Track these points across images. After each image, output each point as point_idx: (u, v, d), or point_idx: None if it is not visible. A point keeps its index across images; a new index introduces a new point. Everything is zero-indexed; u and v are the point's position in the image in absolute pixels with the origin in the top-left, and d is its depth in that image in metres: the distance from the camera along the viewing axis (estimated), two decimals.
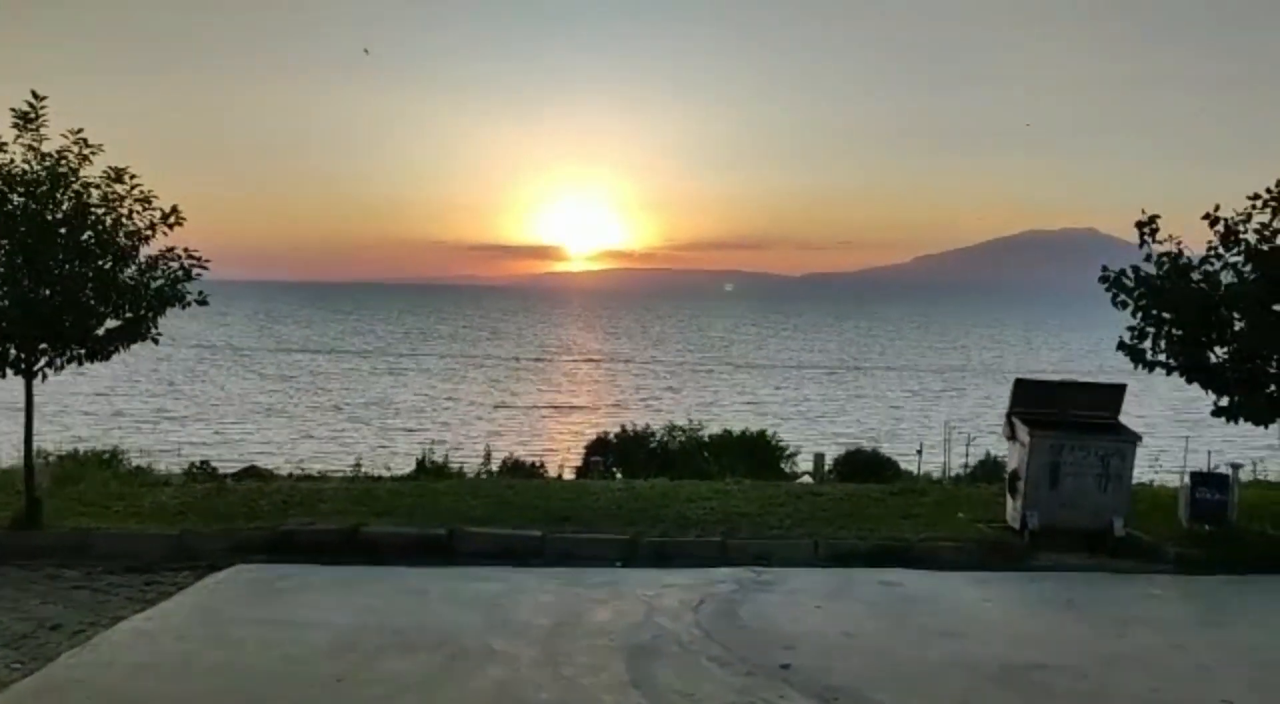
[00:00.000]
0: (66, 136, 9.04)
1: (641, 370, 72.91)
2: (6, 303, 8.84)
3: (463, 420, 44.18)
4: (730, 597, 7.77)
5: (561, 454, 24.86)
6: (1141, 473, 12.13)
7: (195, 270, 9.55)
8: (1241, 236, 10.84)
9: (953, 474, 18.59)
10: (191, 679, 5.88)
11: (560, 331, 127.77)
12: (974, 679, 6.14)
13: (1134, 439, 9.66)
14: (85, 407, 43.79)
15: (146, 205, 9.32)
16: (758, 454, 18.86)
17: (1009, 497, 10.00)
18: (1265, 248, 10.71)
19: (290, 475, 14.77)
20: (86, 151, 9.12)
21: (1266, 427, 11.01)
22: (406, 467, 17.00)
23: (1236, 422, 10.99)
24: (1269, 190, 10.68)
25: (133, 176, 9.25)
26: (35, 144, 8.96)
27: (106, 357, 9.31)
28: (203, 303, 9.55)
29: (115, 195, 9.14)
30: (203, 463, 17.06)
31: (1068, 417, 9.87)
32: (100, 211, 9.10)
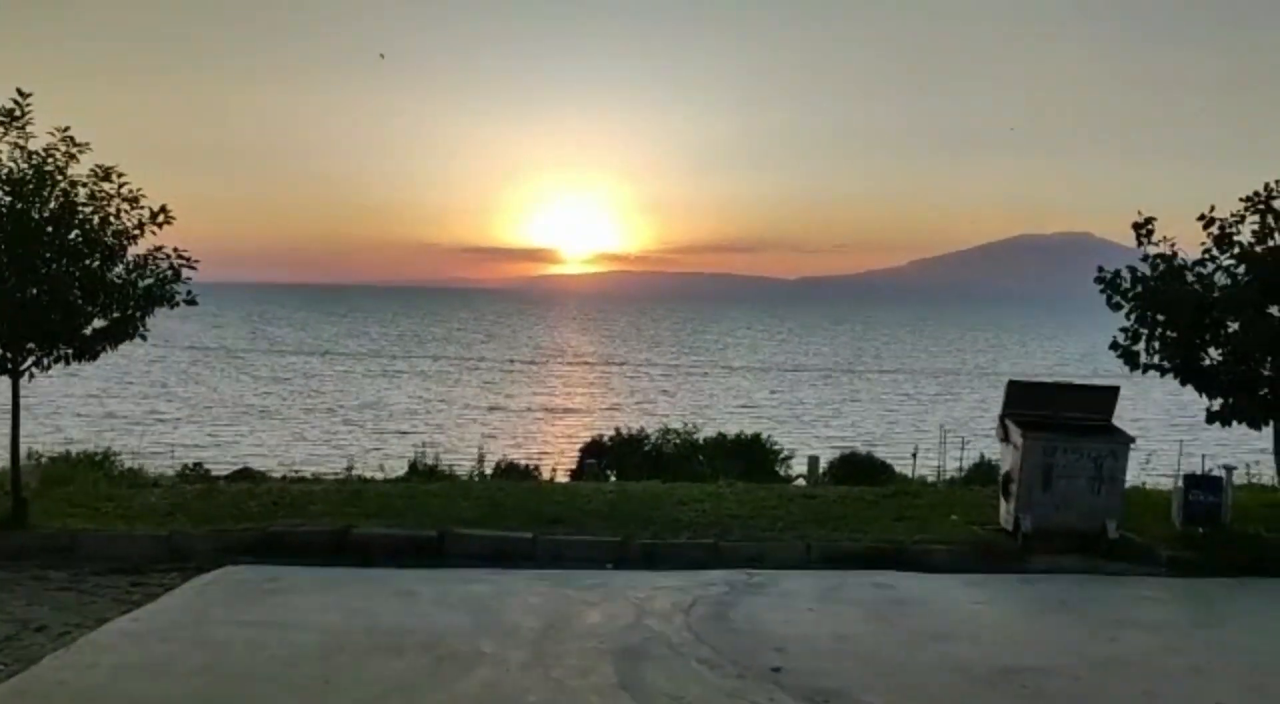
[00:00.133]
0: (53, 134, 8.99)
1: (636, 373, 72.93)
2: None
3: (456, 423, 44.14)
4: (722, 599, 7.72)
5: (555, 457, 24.83)
6: (1134, 476, 12.10)
7: (185, 271, 9.50)
8: (1235, 239, 10.84)
9: (947, 477, 18.59)
10: (176, 681, 5.81)
11: (555, 334, 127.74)
12: (966, 682, 6.10)
13: (1127, 441, 9.63)
14: (78, 408, 43.66)
15: (135, 204, 9.27)
16: (752, 458, 18.85)
17: (1002, 499, 9.97)
18: (1259, 249, 10.71)
19: (284, 478, 14.71)
20: (74, 150, 9.06)
21: (1260, 429, 11.00)
22: (399, 469, 16.95)
23: (1230, 425, 10.98)
24: (1256, 194, 10.70)
25: (121, 176, 9.20)
26: (21, 142, 8.91)
27: (94, 356, 9.26)
28: (191, 302, 9.49)
29: (103, 194, 9.09)
30: (195, 465, 17.01)
31: (1061, 419, 9.84)
32: (88, 210, 9.04)
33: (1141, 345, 11.08)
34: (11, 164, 8.91)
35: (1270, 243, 10.73)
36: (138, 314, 9.27)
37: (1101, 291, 11.06)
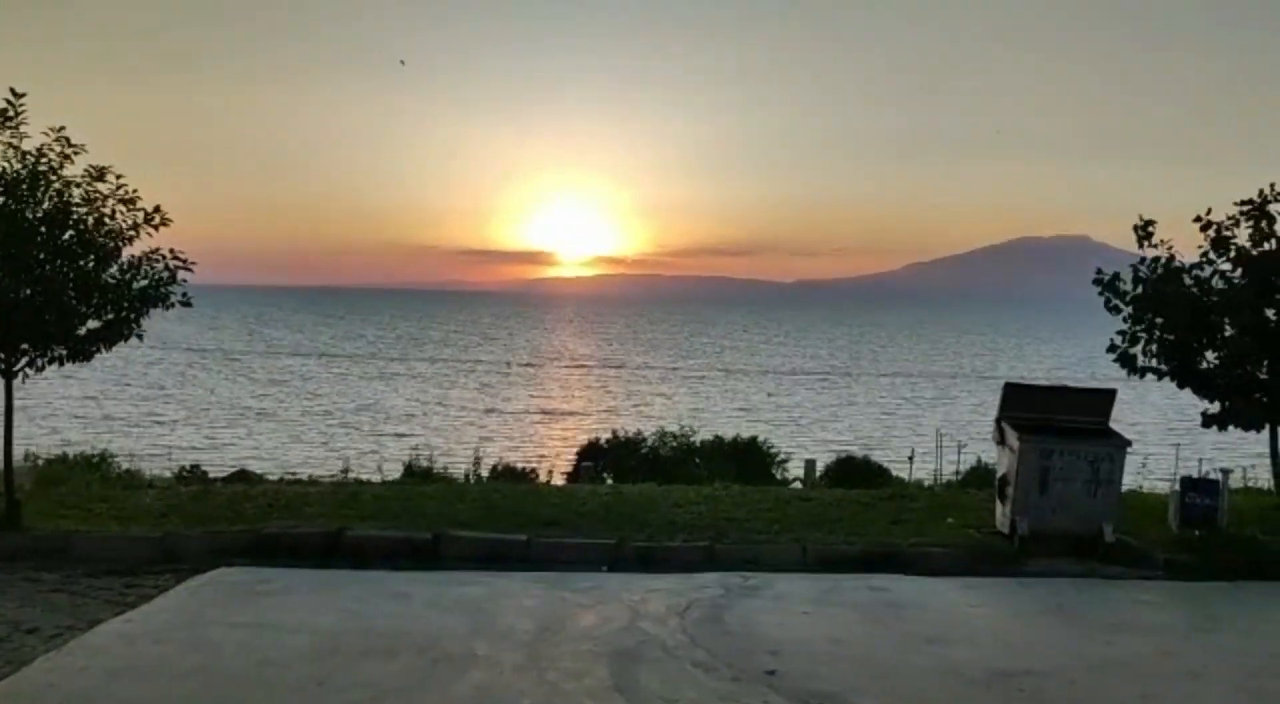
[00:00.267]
0: (48, 135, 8.97)
1: (633, 376, 72.86)
2: None
3: (454, 426, 44.07)
4: (717, 602, 7.70)
5: (552, 460, 24.79)
6: (1131, 480, 12.09)
7: (180, 272, 9.48)
8: (1232, 242, 10.86)
9: (944, 481, 18.55)
10: (168, 683, 5.79)
11: (552, 337, 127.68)
12: (962, 685, 6.08)
13: (1124, 444, 9.61)
14: (75, 410, 43.59)
15: (131, 205, 9.25)
16: (749, 461, 18.82)
17: (998, 502, 9.95)
18: (1255, 252, 10.73)
19: (281, 480, 14.67)
20: (68, 151, 9.04)
21: (1258, 432, 11.01)
22: (396, 472, 16.90)
23: (1227, 428, 10.99)
24: (1251, 201, 10.73)
25: (119, 176, 9.18)
26: (15, 142, 8.89)
27: (88, 357, 9.23)
28: (186, 304, 9.47)
29: (97, 194, 9.06)
30: (193, 467, 16.96)
31: (1057, 422, 9.82)
32: (82, 211, 9.02)
33: (1139, 348, 11.09)
34: (5, 164, 8.89)
35: (1266, 246, 10.76)
36: (132, 315, 9.25)
37: (1100, 293, 11.07)
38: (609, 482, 16.24)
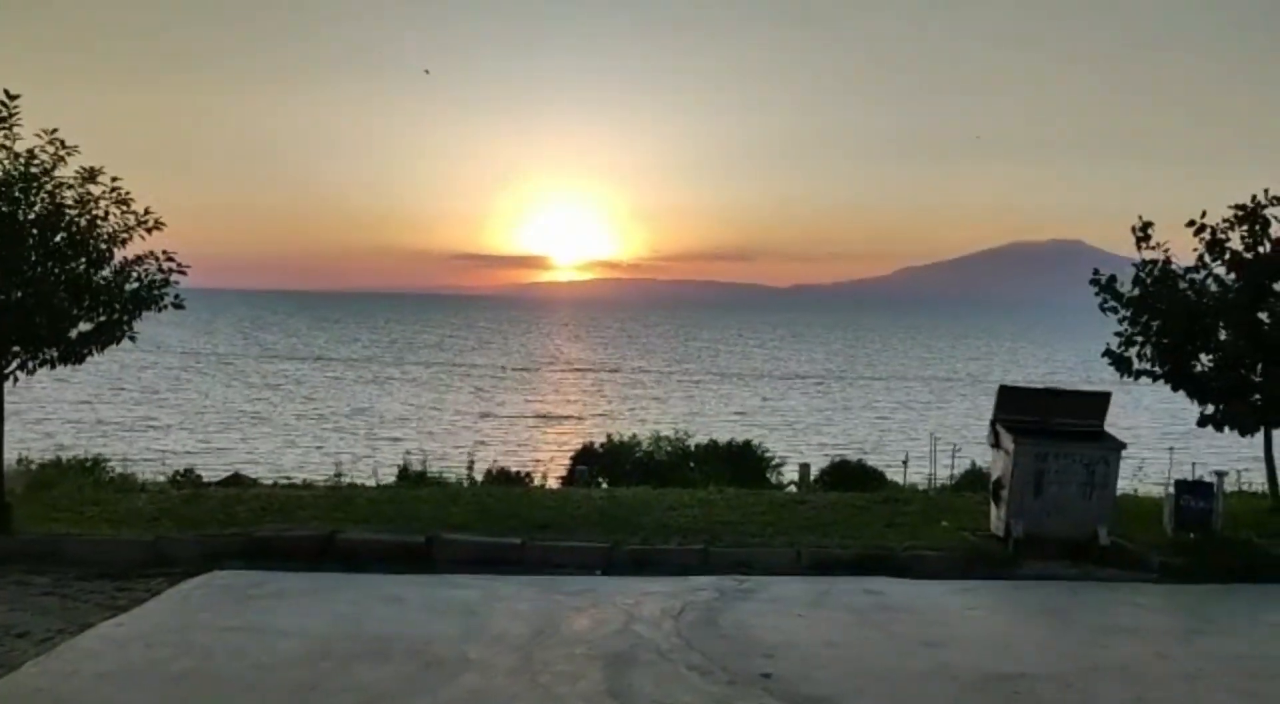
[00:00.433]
0: (41, 136, 8.93)
1: (628, 380, 72.83)
2: None
3: (448, 430, 44.01)
4: (711, 605, 7.67)
5: (547, 464, 24.74)
6: (1126, 483, 12.09)
7: (174, 275, 9.45)
8: (1227, 245, 10.88)
9: (938, 485, 18.54)
10: (158, 687, 5.75)
11: (547, 341, 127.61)
12: (957, 688, 6.06)
13: (1118, 446, 9.60)
14: (69, 415, 43.49)
15: (125, 207, 9.21)
16: (744, 465, 18.81)
17: (993, 505, 9.93)
18: (1249, 256, 10.75)
19: (275, 484, 14.63)
20: (62, 152, 9.00)
21: (1251, 435, 11.01)
22: (391, 476, 16.87)
23: (1222, 430, 11.00)
24: (1245, 205, 10.76)
25: (115, 179, 9.15)
26: (7, 143, 8.85)
27: (80, 360, 9.19)
28: (179, 306, 9.43)
29: (89, 196, 9.03)
30: (187, 471, 16.91)
31: (1053, 424, 9.81)
32: (74, 213, 8.98)
33: (1134, 351, 11.11)
34: None
35: (1260, 250, 10.78)
36: (124, 317, 9.21)
37: (1097, 293, 11.09)
38: (603, 485, 16.22)
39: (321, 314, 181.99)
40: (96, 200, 9.07)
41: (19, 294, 8.77)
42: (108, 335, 9.23)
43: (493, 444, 38.00)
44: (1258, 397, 10.73)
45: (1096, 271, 11.27)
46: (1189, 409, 11.60)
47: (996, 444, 9.96)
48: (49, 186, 8.91)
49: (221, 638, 6.60)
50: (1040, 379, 65.61)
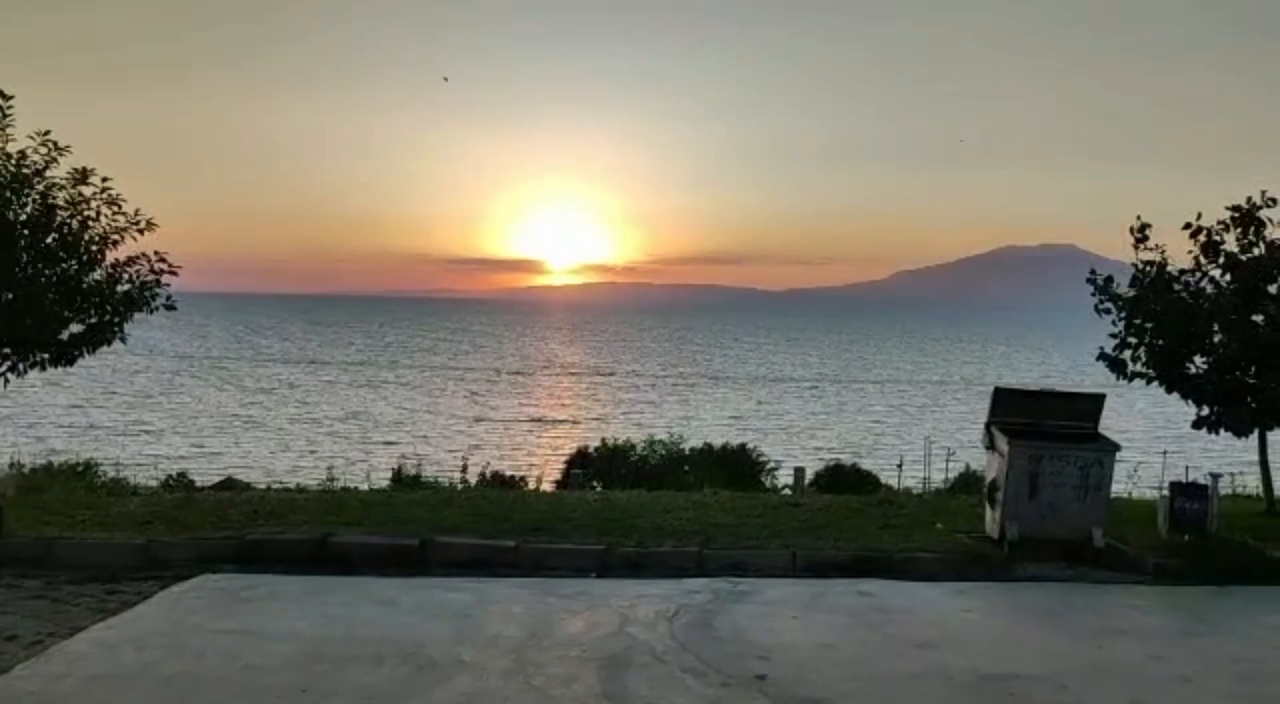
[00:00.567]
0: (33, 138, 8.90)
1: (623, 384, 72.84)
2: None
3: (442, 434, 44.00)
4: (705, 607, 7.64)
5: (541, 468, 24.73)
6: (1120, 486, 12.09)
7: (167, 278, 9.42)
8: (1222, 248, 10.90)
9: (933, 487, 18.54)
10: (148, 690, 5.71)
11: (541, 345, 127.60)
12: (951, 690, 6.04)
13: (1113, 448, 9.60)
14: (61, 419, 43.39)
15: (116, 208, 9.19)
16: (738, 468, 18.81)
17: (987, 507, 9.93)
18: (1244, 258, 10.77)
19: (268, 488, 14.58)
20: (55, 154, 8.98)
21: (1246, 437, 11.02)
22: (384, 480, 16.83)
23: (1217, 432, 11.00)
24: (1240, 207, 10.78)
25: (105, 180, 9.12)
26: (0, 144, 8.82)
27: (71, 361, 9.17)
28: (170, 308, 9.40)
29: (81, 197, 9.00)
30: (179, 475, 16.84)
31: (1047, 426, 9.80)
32: (65, 214, 8.95)
33: (1129, 354, 11.11)
34: None
35: (1255, 252, 10.80)
36: (115, 319, 9.18)
37: (1093, 294, 11.09)
38: (598, 489, 16.20)
39: (315, 317, 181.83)
40: (88, 201, 9.04)
41: (10, 295, 8.74)
42: (99, 337, 9.21)
43: (487, 448, 37.95)
44: (1252, 399, 10.73)
45: (1093, 272, 11.28)
46: (1182, 413, 11.61)
47: (991, 446, 9.95)
48: (40, 188, 8.88)
49: (213, 641, 6.55)
50: (1034, 382, 65.69)
